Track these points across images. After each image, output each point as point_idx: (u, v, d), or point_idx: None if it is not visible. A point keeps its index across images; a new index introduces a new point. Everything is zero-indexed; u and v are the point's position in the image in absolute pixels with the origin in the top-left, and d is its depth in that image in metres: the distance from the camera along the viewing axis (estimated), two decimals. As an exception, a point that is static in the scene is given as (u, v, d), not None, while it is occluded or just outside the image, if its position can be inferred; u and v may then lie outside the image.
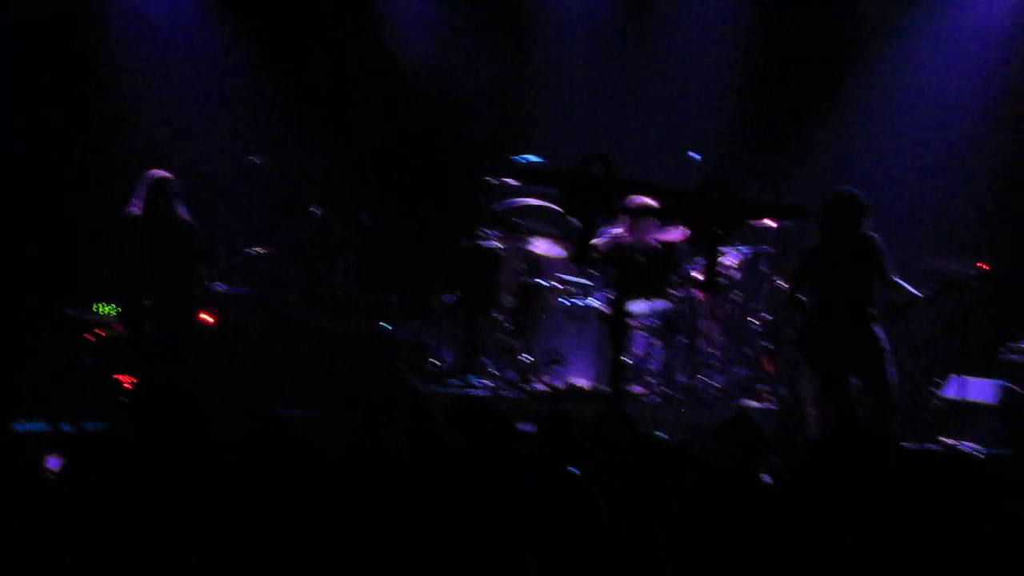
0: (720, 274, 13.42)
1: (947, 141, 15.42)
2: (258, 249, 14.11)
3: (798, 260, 11.73)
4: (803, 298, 11.53)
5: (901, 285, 11.45)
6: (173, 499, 6.71)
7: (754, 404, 13.57)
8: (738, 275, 14.08)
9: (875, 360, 11.35)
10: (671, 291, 13.59)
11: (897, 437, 11.35)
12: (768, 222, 13.76)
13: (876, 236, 11.41)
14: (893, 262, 11.42)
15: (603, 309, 13.31)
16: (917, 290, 11.49)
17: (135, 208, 12.37)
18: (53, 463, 7.25)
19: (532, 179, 13.48)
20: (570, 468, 7.33)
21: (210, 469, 7.03)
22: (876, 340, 11.36)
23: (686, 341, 13.71)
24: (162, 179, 12.40)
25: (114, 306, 13.01)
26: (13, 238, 14.72)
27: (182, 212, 12.45)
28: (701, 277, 13.43)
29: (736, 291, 14.06)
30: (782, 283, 13.70)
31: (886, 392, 11.37)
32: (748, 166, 15.04)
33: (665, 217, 13.12)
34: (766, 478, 7.14)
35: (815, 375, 11.88)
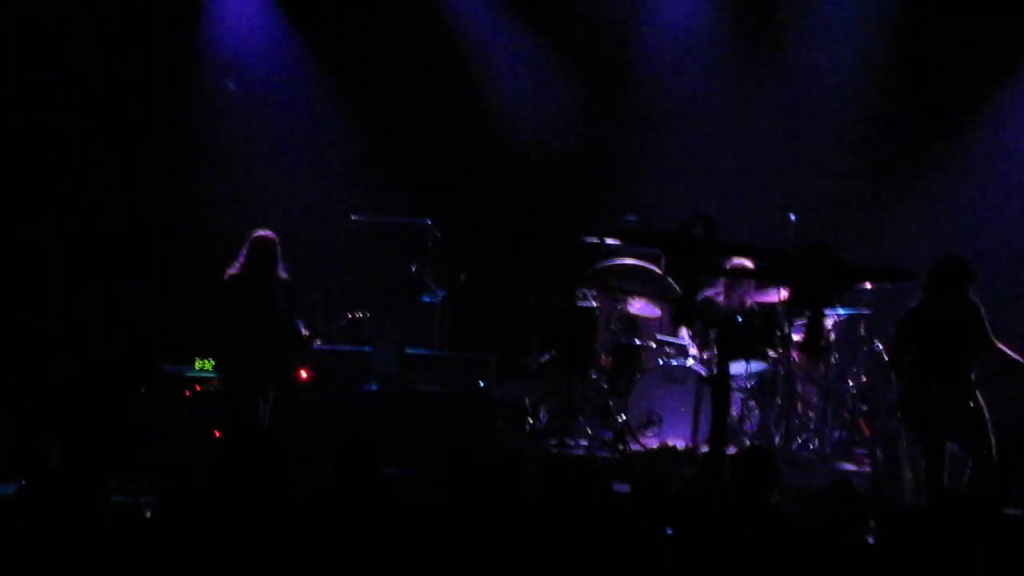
0: (824, 336, 13.34)
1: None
2: (359, 313, 14.20)
3: (899, 323, 11.65)
4: (905, 360, 11.47)
5: (1004, 352, 11.38)
6: (262, 551, 6.77)
7: (850, 467, 13.47)
8: (834, 336, 13.99)
9: (976, 427, 11.27)
10: (768, 352, 13.53)
11: (997, 503, 11.24)
12: (866, 283, 13.66)
13: (978, 301, 11.36)
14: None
15: (699, 371, 13.27)
16: (1019, 356, 11.42)
17: (237, 267, 12.50)
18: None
19: (633, 240, 13.47)
20: (666, 529, 7.32)
21: (301, 522, 7.08)
22: (978, 406, 11.29)
23: (782, 403, 13.63)
24: (264, 238, 12.52)
25: (212, 362, 13.14)
26: (114, 295, 14.89)
27: (282, 271, 12.56)
28: (800, 339, 13.39)
29: (833, 353, 13.97)
30: (879, 345, 13.61)
31: (987, 459, 11.29)
32: (850, 219, 14.95)
33: (766, 279, 13.06)
34: (870, 539, 7.09)
35: (914, 439, 11.79)
